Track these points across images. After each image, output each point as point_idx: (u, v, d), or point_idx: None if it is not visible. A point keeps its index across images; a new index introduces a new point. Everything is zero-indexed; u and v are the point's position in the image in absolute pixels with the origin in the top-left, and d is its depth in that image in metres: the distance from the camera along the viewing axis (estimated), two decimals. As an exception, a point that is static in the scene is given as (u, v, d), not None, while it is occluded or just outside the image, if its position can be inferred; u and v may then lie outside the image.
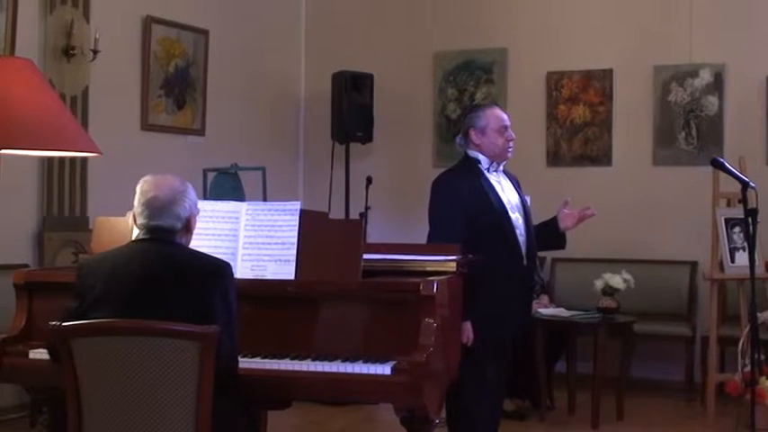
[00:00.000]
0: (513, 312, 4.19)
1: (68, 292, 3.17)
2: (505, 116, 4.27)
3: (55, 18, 5.91)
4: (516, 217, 4.18)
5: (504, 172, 4.32)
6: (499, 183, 4.22)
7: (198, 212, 3.25)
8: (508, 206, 4.16)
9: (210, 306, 2.98)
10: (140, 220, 3.14)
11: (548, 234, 4.35)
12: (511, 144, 4.22)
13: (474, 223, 4.06)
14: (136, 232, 3.20)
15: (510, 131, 4.23)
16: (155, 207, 3.11)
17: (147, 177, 3.20)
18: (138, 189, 3.17)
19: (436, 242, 4.05)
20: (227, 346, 2.97)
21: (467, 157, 4.25)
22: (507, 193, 4.21)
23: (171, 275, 3.03)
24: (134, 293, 2.99)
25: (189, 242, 3.23)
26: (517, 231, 4.16)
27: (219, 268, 3.09)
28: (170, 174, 3.23)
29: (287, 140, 8.18)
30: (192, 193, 3.20)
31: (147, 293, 2.99)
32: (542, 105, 7.51)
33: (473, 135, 4.21)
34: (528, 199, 4.34)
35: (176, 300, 2.98)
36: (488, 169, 4.21)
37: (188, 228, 3.19)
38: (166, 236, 3.12)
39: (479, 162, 4.21)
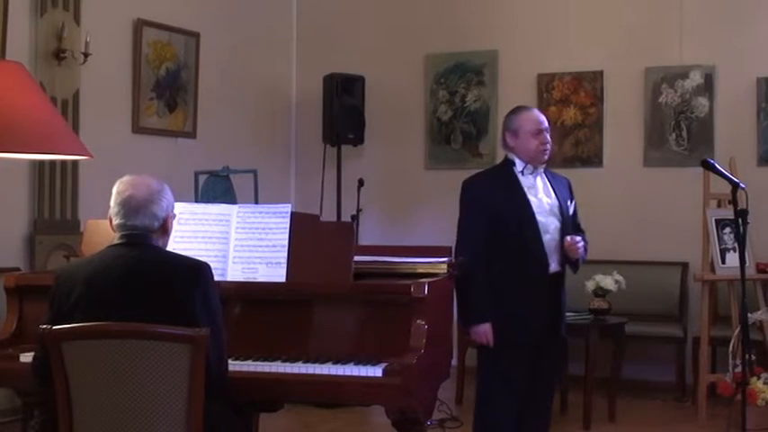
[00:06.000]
0: (533, 319, 4.07)
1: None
2: (542, 119, 4.21)
3: (46, 21, 5.89)
4: (547, 221, 4.11)
5: (551, 174, 4.29)
6: (534, 185, 4.15)
7: (174, 215, 3.19)
8: (537, 209, 4.09)
9: (191, 311, 2.94)
10: (117, 221, 3.08)
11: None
12: (546, 147, 4.16)
13: (494, 226, 4.03)
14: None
15: (545, 135, 4.16)
16: (131, 206, 3.05)
17: (124, 178, 3.13)
18: (114, 189, 3.11)
19: (458, 247, 4.05)
20: (212, 350, 2.92)
21: (505, 158, 4.25)
22: (542, 196, 4.15)
23: (148, 282, 2.97)
24: (112, 301, 2.94)
25: (166, 245, 3.18)
26: (546, 236, 4.09)
27: (197, 271, 3.02)
28: (149, 175, 3.16)
29: (278, 143, 8.17)
30: (168, 193, 3.13)
31: (126, 301, 2.94)
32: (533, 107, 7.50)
33: (507, 137, 4.19)
34: (572, 204, 4.27)
35: (156, 307, 2.93)
36: (523, 171, 4.15)
37: (165, 229, 3.13)
38: (142, 239, 3.06)
39: (514, 164, 4.18)
